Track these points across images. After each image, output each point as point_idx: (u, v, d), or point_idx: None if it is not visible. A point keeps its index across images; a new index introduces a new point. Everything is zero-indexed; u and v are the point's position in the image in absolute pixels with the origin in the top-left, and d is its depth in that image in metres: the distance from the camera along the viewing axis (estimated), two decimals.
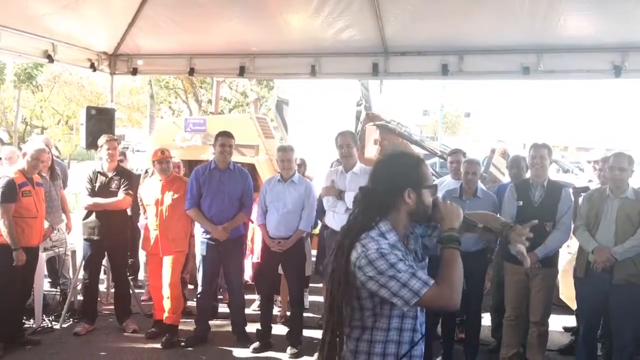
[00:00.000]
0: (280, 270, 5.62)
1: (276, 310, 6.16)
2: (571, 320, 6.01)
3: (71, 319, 6.00)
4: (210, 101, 22.26)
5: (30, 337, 5.47)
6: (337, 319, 2.15)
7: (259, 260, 6.03)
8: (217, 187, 5.44)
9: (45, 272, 6.36)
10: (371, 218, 2.18)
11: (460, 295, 2.09)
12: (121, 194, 5.69)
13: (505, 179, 6.81)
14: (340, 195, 5.05)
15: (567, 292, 5.92)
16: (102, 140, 5.81)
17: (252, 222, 5.92)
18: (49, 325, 5.81)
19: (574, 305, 5.37)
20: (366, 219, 2.18)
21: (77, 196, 10.70)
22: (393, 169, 2.24)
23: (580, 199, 4.96)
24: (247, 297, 5.93)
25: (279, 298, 6.38)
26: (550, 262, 4.81)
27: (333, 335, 2.17)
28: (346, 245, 2.14)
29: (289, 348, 5.36)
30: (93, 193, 5.70)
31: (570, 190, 5.09)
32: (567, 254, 5.58)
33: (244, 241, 5.85)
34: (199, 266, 5.58)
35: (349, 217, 2.27)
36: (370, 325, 2.19)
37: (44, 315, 5.90)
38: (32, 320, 5.81)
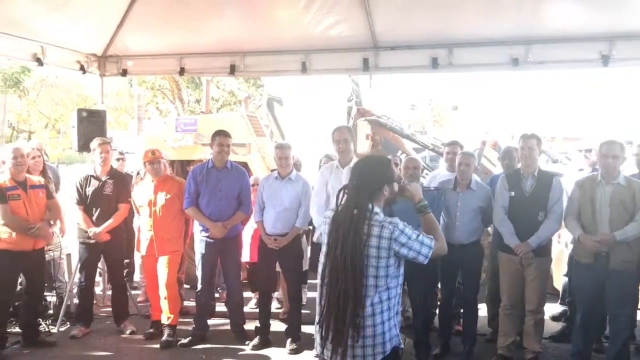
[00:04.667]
0: (277, 268, 5.64)
1: (274, 308, 6.18)
2: (556, 308, 6.11)
3: (68, 323, 5.99)
4: (198, 101, 22.17)
5: (47, 338, 5.57)
6: (360, 290, 2.72)
7: (249, 260, 6.06)
8: (215, 185, 5.46)
9: None
10: (367, 207, 2.81)
11: (446, 246, 2.97)
12: (120, 206, 5.77)
13: (497, 170, 6.86)
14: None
15: (560, 280, 6.01)
16: (94, 143, 5.79)
17: None
18: (46, 330, 5.79)
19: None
20: (364, 208, 2.80)
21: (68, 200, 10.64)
22: (373, 172, 2.93)
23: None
24: (244, 294, 5.93)
25: (275, 294, 6.39)
26: (543, 251, 4.86)
27: (356, 304, 2.71)
28: (363, 230, 2.75)
29: (288, 344, 5.38)
30: (82, 201, 5.71)
31: (561, 180, 5.14)
32: (557, 243, 5.63)
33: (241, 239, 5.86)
34: (198, 264, 5.60)
35: (341, 207, 2.87)
36: (385, 286, 2.78)
37: (41, 320, 5.85)
38: None
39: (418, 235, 2.80)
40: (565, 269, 5.85)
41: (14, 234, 5.14)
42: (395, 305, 2.85)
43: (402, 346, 2.95)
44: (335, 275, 2.77)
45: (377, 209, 2.83)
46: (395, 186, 2.97)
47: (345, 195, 2.90)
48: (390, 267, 2.78)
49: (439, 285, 5.38)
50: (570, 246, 5.45)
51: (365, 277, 2.74)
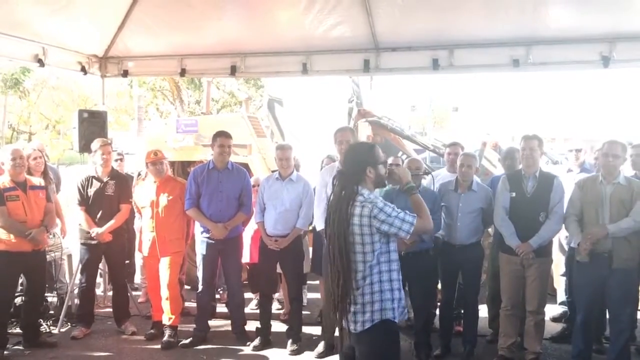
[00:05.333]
0: (278, 269, 5.64)
1: (275, 309, 6.18)
2: (556, 309, 6.09)
3: (69, 323, 6.00)
4: (198, 102, 22.18)
5: (48, 339, 5.56)
6: (348, 264, 3.06)
7: (250, 261, 6.06)
8: (216, 186, 5.47)
9: None
10: (352, 189, 3.11)
11: (432, 224, 3.32)
12: (122, 207, 5.78)
13: (497, 171, 6.87)
14: None
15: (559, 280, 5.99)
16: (95, 145, 5.80)
17: None
18: (47, 330, 5.80)
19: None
20: (350, 191, 3.11)
21: (69, 200, 10.66)
22: (356, 155, 3.25)
23: None
24: (245, 295, 5.94)
25: (276, 295, 6.40)
26: (544, 252, 4.86)
27: (347, 278, 3.05)
28: (348, 211, 3.06)
29: (288, 344, 5.38)
30: (84, 202, 5.71)
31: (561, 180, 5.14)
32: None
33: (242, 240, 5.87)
34: (199, 265, 5.60)
35: (333, 193, 3.20)
36: (375, 261, 3.10)
37: (42, 320, 5.85)
38: None
39: (399, 213, 3.07)
40: (562, 270, 5.85)
41: (12, 235, 5.16)
42: (388, 280, 3.13)
43: (397, 320, 3.19)
44: (331, 252, 3.14)
45: (364, 191, 3.11)
46: (381, 169, 3.22)
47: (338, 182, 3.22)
48: (376, 244, 3.09)
49: (439, 286, 5.39)
50: (566, 247, 5.48)
51: (354, 252, 3.09)
